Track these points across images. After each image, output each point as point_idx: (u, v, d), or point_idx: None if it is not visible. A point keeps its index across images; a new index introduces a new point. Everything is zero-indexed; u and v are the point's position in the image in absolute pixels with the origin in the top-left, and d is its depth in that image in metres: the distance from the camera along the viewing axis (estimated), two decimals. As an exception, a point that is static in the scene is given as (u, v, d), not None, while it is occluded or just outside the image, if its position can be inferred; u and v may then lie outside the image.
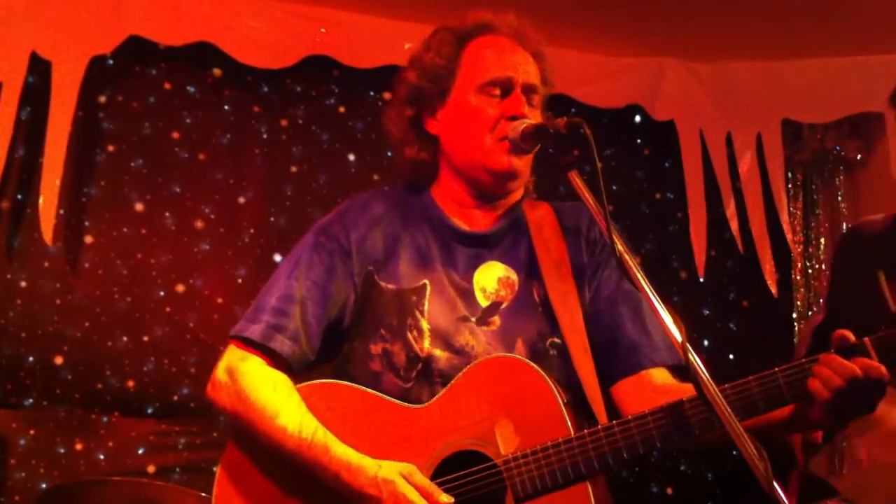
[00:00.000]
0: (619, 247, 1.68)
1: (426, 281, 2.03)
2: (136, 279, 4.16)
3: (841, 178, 5.12)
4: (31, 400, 3.95)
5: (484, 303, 2.02)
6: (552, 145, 1.87)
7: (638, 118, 4.93)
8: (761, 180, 4.91)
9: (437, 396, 1.90)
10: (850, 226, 2.87)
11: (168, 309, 4.17)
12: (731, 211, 4.89)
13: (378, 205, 2.13)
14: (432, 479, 1.82)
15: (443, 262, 2.06)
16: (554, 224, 2.12)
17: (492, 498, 1.80)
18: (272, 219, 4.40)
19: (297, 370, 2.01)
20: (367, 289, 2.04)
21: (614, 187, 4.87)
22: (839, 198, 5.10)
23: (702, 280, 4.83)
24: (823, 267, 5.05)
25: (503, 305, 2.03)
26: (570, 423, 1.79)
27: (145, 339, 4.11)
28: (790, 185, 5.08)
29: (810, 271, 5.03)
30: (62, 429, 3.94)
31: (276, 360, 1.98)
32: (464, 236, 2.09)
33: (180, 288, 4.20)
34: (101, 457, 3.96)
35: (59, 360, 3.98)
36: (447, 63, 2.08)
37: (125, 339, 4.09)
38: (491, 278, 2.05)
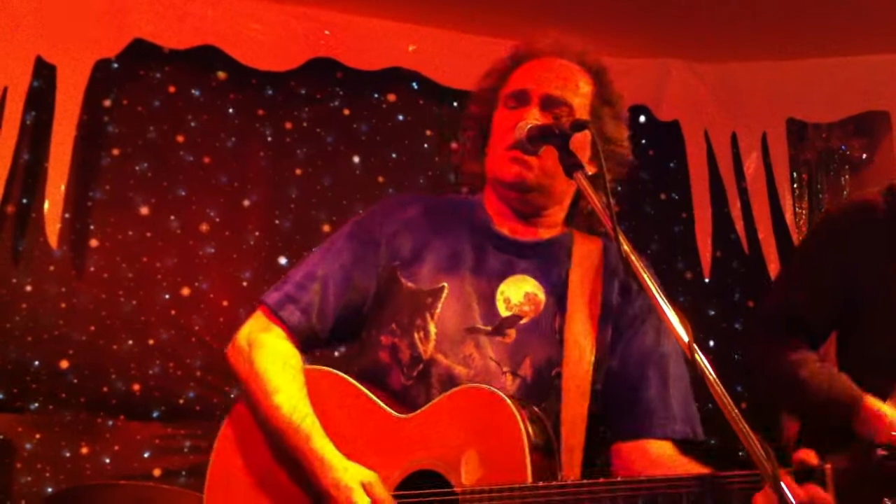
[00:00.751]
0: (625, 247, 1.67)
1: (445, 284, 2.02)
2: (142, 282, 4.17)
3: (846, 177, 5.11)
4: (36, 404, 3.95)
5: (504, 313, 2.01)
6: (558, 146, 1.87)
7: (643, 119, 4.92)
8: (766, 180, 4.90)
9: (420, 410, 1.91)
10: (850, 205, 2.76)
11: (173, 312, 4.17)
12: (736, 211, 4.88)
13: (414, 208, 2.16)
14: (395, 489, 1.84)
15: (472, 266, 2.05)
16: (599, 260, 2.09)
17: None
18: (277, 221, 4.40)
19: (306, 345, 2.06)
20: (389, 283, 2.06)
21: (619, 188, 4.83)
22: (845, 197, 5.08)
23: (707, 280, 4.83)
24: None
25: (523, 321, 2.00)
26: (530, 471, 1.76)
27: (151, 342, 4.11)
28: (795, 185, 5.07)
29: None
30: (68, 432, 3.95)
31: (291, 330, 2.03)
32: (501, 241, 2.08)
33: (186, 291, 4.21)
34: (107, 460, 3.97)
35: (64, 364, 3.98)
36: (494, 84, 2.14)
37: (130, 342, 4.09)
38: (518, 291, 2.03)
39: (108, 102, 4.26)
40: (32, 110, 4.07)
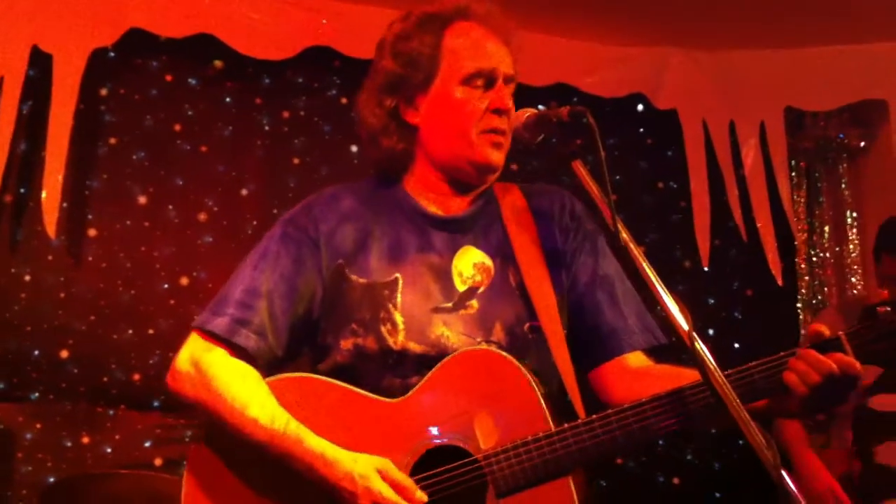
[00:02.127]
0: (624, 236, 1.68)
1: (398, 275, 1.97)
2: (140, 272, 4.17)
3: (844, 165, 5.12)
4: (36, 394, 3.96)
5: (461, 287, 1.98)
6: (555, 134, 1.86)
7: (640, 107, 4.92)
8: (765, 169, 4.90)
9: (413, 390, 1.86)
10: None
11: (172, 301, 4.17)
12: (734, 200, 4.87)
13: (347, 199, 2.07)
14: (411, 474, 1.79)
15: (419, 248, 2.01)
16: (525, 208, 2.09)
17: (473, 494, 1.77)
18: (275, 211, 4.39)
19: (263, 365, 1.94)
20: (336, 283, 1.98)
21: (617, 177, 4.85)
22: (843, 185, 5.09)
23: (706, 269, 4.83)
24: (828, 255, 5.05)
25: (480, 290, 1.98)
26: (549, 417, 1.78)
27: (150, 331, 4.11)
28: (793, 174, 5.08)
29: (814, 259, 5.03)
30: (68, 422, 3.95)
31: (240, 354, 1.92)
32: (440, 222, 2.04)
33: (184, 280, 4.21)
34: (108, 450, 3.98)
35: (64, 354, 3.98)
36: (429, 51, 2.00)
37: (130, 331, 4.09)
38: (467, 263, 2.01)
39: (104, 91, 4.24)
40: (29, 100, 4.06)
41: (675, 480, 4.69)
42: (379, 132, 2.05)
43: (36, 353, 3.97)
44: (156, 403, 4.05)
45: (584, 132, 1.75)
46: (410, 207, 2.05)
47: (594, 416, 1.76)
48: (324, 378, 1.92)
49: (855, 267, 4.96)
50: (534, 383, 1.80)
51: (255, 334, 1.91)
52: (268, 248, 2.03)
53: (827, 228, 5.07)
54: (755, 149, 4.90)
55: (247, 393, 1.85)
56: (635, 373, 1.96)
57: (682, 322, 1.58)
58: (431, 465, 1.80)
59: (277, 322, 1.94)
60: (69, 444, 3.94)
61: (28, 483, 3.85)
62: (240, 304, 1.93)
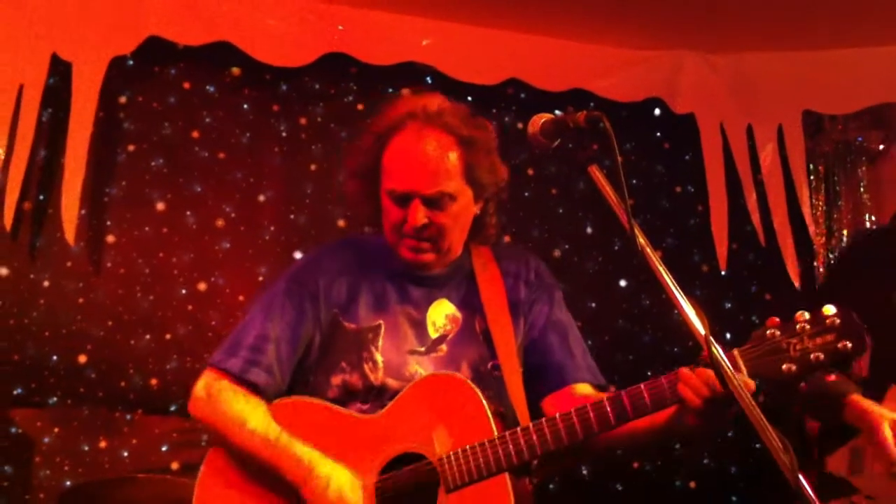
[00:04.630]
0: (641, 240, 1.68)
1: (381, 322, 2.32)
2: (158, 278, 4.19)
3: (863, 169, 5.08)
4: (55, 399, 3.98)
5: (434, 334, 2.33)
6: (572, 140, 1.87)
7: (657, 111, 4.91)
8: (783, 172, 4.87)
9: (384, 409, 2.21)
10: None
11: (190, 307, 4.19)
12: (752, 203, 4.85)
13: (345, 254, 2.43)
14: (379, 474, 2.14)
15: (399, 300, 2.35)
16: (494, 268, 2.42)
17: (426, 489, 2.10)
18: (292, 216, 4.41)
19: (271, 398, 2.27)
20: (332, 329, 2.32)
21: (634, 181, 4.85)
22: (861, 189, 5.05)
23: (724, 273, 4.81)
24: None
25: (449, 336, 2.33)
26: (494, 426, 2.11)
27: (168, 337, 4.13)
28: (812, 177, 5.04)
29: (833, 263, 5.00)
30: (86, 427, 3.97)
31: (251, 390, 2.24)
32: (417, 278, 2.37)
33: (202, 286, 4.22)
34: (125, 454, 3.99)
35: (82, 359, 4.01)
36: (373, 162, 2.32)
37: (148, 337, 4.12)
38: (440, 314, 2.35)
39: (123, 99, 4.27)
40: (49, 108, 4.09)
41: (692, 484, 4.67)
42: (353, 195, 2.43)
43: (54, 358, 3.99)
44: (173, 408, 4.06)
45: (601, 137, 1.76)
46: (392, 263, 2.37)
47: (529, 424, 2.09)
48: (311, 399, 2.27)
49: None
50: (483, 400, 2.13)
51: (266, 372, 2.25)
52: (274, 300, 2.34)
53: (845, 232, 5.03)
54: (773, 152, 4.88)
55: (247, 411, 2.20)
56: (580, 399, 2.18)
57: (699, 326, 1.58)
58: (397, 468, 2.16)
59: (283, 364, 2.29)
60: (87, 448, 3.96)
61: (46, 487, 3.86)
62: (252, 348, 2.26)
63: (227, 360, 2.26)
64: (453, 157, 2.23)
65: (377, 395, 2.25)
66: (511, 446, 2.06)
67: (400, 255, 2.31)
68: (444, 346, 2.32)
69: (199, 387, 2.27)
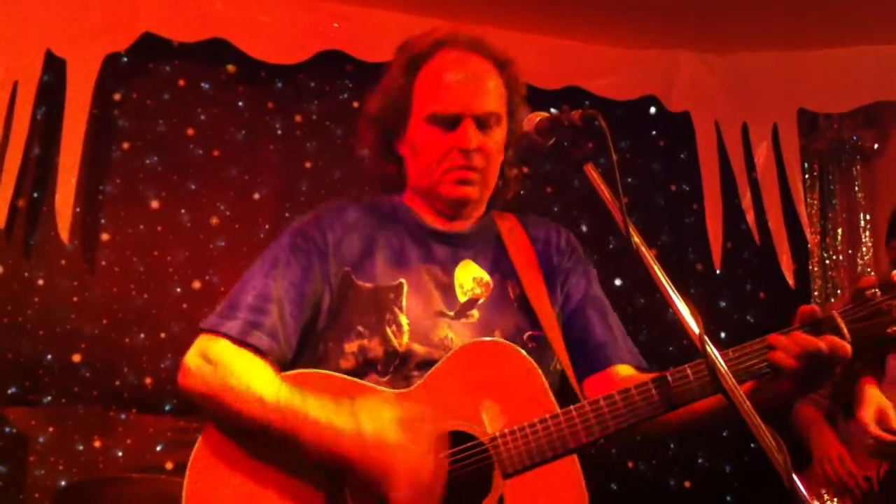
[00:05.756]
0: (636, 239, 1.67)
1: (402, 280, 2.04)
2: (153, 276, 4.18)
3: (857, 167, 5.09)
4: (49, 398, 3.97)
5: (462, 298, 2.07)
6: (567, 138, 1.87)
7: (653, 110, 4.91)
8: (777, 171, 4.88)
9: (421, 380, 1.90)
10: None
11: (185, 305, 4.18)
12: (747, 202, 4.86)
13: (353, 210, 2.15)
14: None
15: (421, 258, 2.09)
16: (522, 233, 2.21)
17: (479, 475, 1.81)
18: (287, 214, 4.40)
19: (273, 364, 1.95)
20: (344, 289, 2.03)
21: (629, 179, 4.85)
22: (856, 188, 5.06)
23: (718, 272, 4.82)
24: (841, 257, 5.03)
25: (480, 301, 2.08)
26: (555, 400, 1.86)
27: (162, 336, 4.12)
28: (806, 176, 5.05)
29: (828, 262, 5.01)
30: (81, 426, 3.96)
31: (263, 356, 1.92)
32: (441, 235, 2.14)
33: (197, 284, 4.22)
34: (120, 454, 3.98)
35: (76, 358, 4.00)
36: (403, 93, 2.12)
37: (142, 336, 4.11)
38: (467, 277, 2.10)
39: (117, 96, 4.26)
40: (43, 105, 4.08)
41: (687, 484, 4.67)
42: (372, 155, 2.23)
43: (49, 357, 3.98)
44: (168, 407, 4.05)
45: (596, 135, 1.75)
46: (412, 220, 2.16)
47: (599, 398, 1.83)
48: (332, 373, 1.94)
49: (868, 269, 4.93)
50: (541, 371, 1.89)
51: (268, 336, 1.93)
52: (277, 256, 2.07)
53: (840, 231, 5.04)
54: (768, 151, 4.89)
55: (252, 371, 1.86)
56: (625, 380, 2.00)
57: (694, 325, 1.58)
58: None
59: (288, 326, 1.98)
60: (81, 447, 3.95)
61: (40, 487, 3.85)
62: (252, 309, 1.96)
63: (224, 323, 1.93)
64: (495, 81, 2.09)
65: (400, 365, 1.96)
66: (579, 423, 1.81)
67: (439, 194, 2.09)
68: (475, 312, 2.05)
69: (191, 354, 1.92)
